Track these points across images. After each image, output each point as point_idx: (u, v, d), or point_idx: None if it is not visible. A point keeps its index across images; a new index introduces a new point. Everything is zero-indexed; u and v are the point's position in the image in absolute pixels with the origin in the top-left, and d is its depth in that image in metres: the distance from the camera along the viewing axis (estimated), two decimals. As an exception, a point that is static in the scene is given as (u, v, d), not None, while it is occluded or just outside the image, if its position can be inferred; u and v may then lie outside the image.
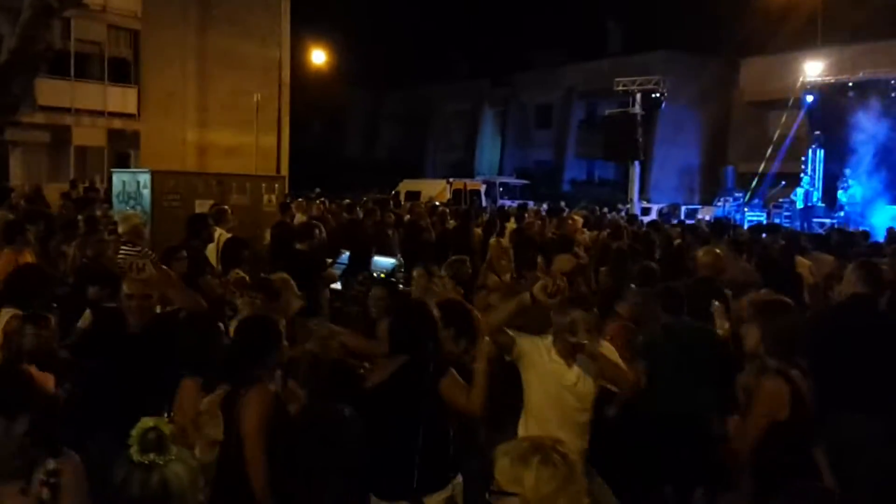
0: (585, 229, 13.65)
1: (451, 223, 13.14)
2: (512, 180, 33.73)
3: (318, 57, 30.99)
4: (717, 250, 7.08)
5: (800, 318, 4.14)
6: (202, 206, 9.88)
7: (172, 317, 4.85)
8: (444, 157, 44.49)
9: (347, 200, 16.95)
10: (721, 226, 12.13)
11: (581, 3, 40.71)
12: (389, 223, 11.97)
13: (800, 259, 7.92)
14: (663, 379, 5.21)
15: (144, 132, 20.30)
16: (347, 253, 8.46)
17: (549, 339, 4.21)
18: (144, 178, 10.58)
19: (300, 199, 16.59)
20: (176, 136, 18.45)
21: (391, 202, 17.05)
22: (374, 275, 7.63)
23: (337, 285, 7.89)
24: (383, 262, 8.69)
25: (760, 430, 3.75)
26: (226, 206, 9.17)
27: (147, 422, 2.43)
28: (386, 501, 3.94)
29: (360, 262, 8.45)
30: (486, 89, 43.69)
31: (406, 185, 26.84)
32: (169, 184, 10.62)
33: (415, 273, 6.45)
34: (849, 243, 10.45)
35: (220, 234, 8.08)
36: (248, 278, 5.92)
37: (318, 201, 16.74)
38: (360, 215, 13.13)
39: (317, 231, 8.04)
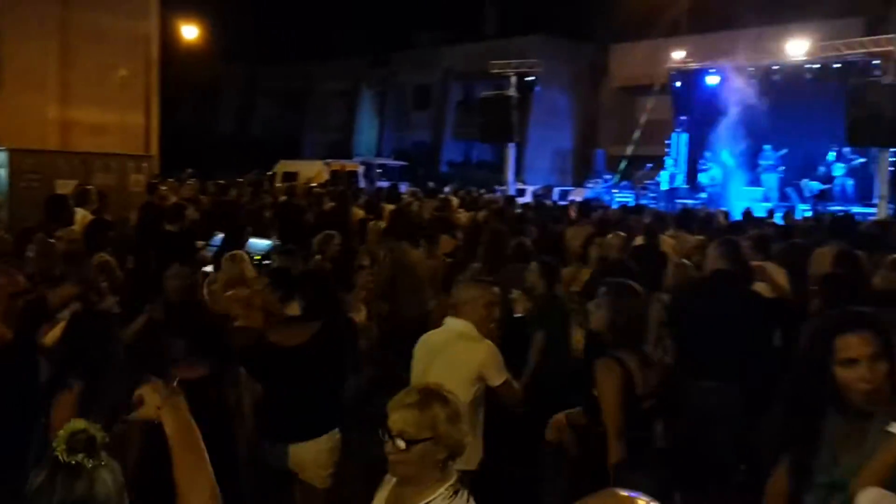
0: (462, 210, 13.85)
1: (329, 205, 13.04)
2: (390, 162, 33.72)
3: (190, 32, 29.90)
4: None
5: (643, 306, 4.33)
6: (65, 187, 9.45)
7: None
8: (322, 137, 43.89)
9: (221, 181, 16.55)
10: (589, 207, 12.64)
11: (459, -16, 40.94)
12: (266, 204, 11.77)
13: (664, 237, 8.30)
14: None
15: (2, 109, 19.12)
16: (221, 235, 8.26)
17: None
18: (0, 157, 10.02)
19: (171, 180, 16.07)
20: (37, 113, 17.47)
21: (267, 182, 16.75)
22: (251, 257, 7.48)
23: (209, 268, 7.70)
24: (259, 244, 8.53)
25: (618, 409, 3.90)
26: (90, 187, 8.79)
27: (78, 423, 2.25)
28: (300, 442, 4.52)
29: (234, 245, 8.26)
30: (364, 69, 43.36)
31: (283, 166, 26.38)
32: (27, 163, 10.12)
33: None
34: (709, 222, 10.99)
35: (84, 215, 7.75)
36: (113, 262, 5.70)
37: (189, 181, 16.25)
38: (235, 196, 12.84)
39: (187, 212, 7.82)
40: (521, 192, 24.53)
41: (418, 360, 4.55)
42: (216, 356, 3.83)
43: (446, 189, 19.33)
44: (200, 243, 7.87)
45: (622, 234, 7.43)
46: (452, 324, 4.53)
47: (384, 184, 23.17)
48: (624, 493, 1.38)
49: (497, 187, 25.21)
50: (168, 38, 23.97)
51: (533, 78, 25.42)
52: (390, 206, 12.64)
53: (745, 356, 5.31)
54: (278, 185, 19.78)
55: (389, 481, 2.69)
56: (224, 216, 9.68)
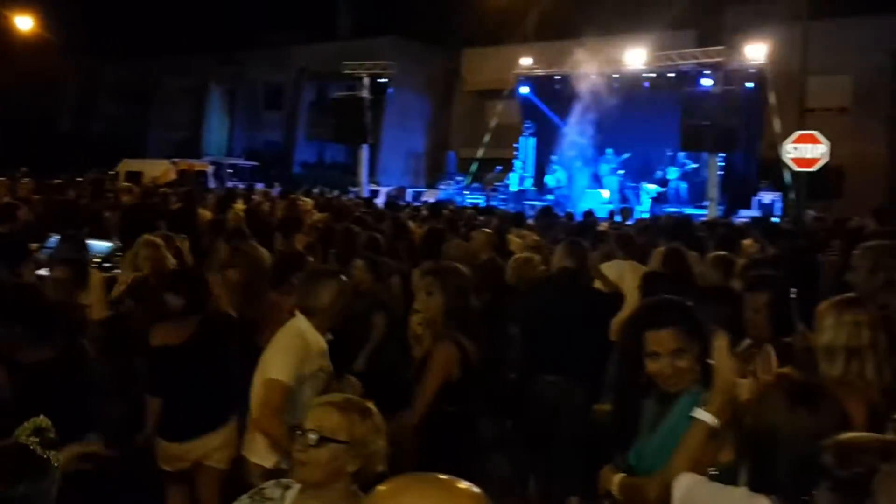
0: (315, 211, 13.76)
1: (176, 204, 12.63)
2: (241, 162, 33.02)
3: (24, 23, 28.16)
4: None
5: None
6: None
7: None
8: (169, 135, 42.30)
9: (59, 180, 15.73)
10: (439, 207, 12.96)
11: (311, -18, 40.51)
12: (107, 205, 11.27)
13: (511, 237, 8.58)
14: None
15: None
16: (57, 237, 7.85)
17: None
18: None
19: (3, 179, 15.13)
20: None
21: (109, 182, 16.04)
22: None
23: (44, 271, 7.31)
24: (98, 245, 8.16)
25: (436, 387, 4.17)
26: None
27: (41, 421, 2.25)
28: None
29: (72, 247, 7.86)
30: (213, 66, 42.13)
31: (126, 165, 25.29)
32: None
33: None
34: (554, 223, 11.43)
35: None
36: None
37: (24, 181, 15.34)
38: (74, 196, 12.23)
39: (20, 213, 7.39)
40: (375, 194, 24.59)
41: None
42: (59, 339, 3.77)
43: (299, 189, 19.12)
44: (34, 245, 7.45)
45: (487, 230, 7.71)
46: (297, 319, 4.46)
47: (238, 184, 22.66)
48: (445, 477, 1.42)
49: (351, 188, 25.17)
50: (1, 31, 22.53)
51: (386, 80, 25.51)
52: (240, 207, 12.39)
53: (588, 350, 5.56)
54: (123, 184, 18.97)
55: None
56: (60, 217, 9.21)
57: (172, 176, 23.19)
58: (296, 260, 5.77)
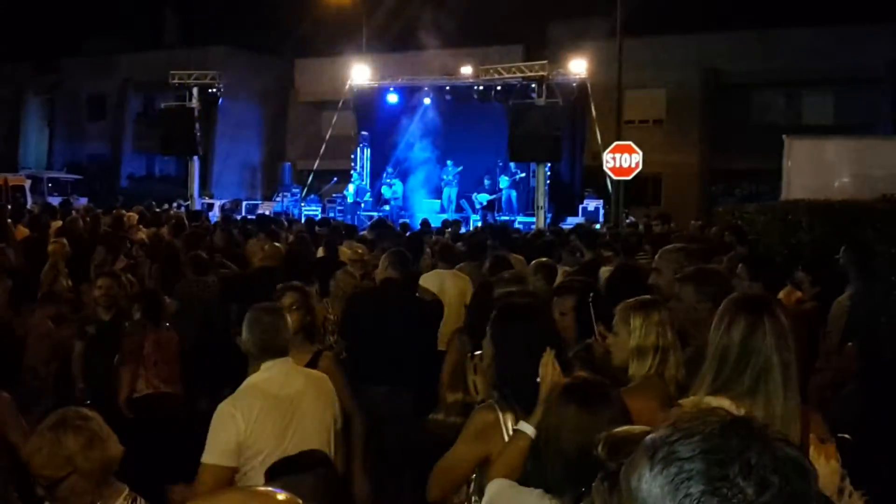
0: (142, 226, 13.28)
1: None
2: (63, 175, 31.40)
3: None
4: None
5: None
6: None
7: None
8: (-20, 148, 39.50)
9: None
10: (267, 219, 12.93)
11: (138, -11, 38.97)
12: None
13: (342, 249, 8.64)
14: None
15: None
16: None
17: None
18: None
19: None
20: None
21: None
22: None
23: None
24: None
25: None
26: None
27: None
28: None
29: None
30: (29, 74, 39.66)
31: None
32: None
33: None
34: (387, 235, 11.56)
35: None
36: None
37: None
38: None
39: None
40: (210, 207, 23.97)
41: None
42: None
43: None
44: None
45: (276, 244, 7.78)
46: None
47: (58, 199, 21.44)
48: (262, 489, 1.43)
49: (181, 202, 24.37)
50: None
51: (216, 90, 24.91)
52: (57, 223, 11.79)
53: (414, 360, 5.67)
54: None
55: None
56: None
57: (-16, 191, 21.70)
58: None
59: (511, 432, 2.82)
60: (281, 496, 1.36)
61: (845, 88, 27.39)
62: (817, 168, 13.18)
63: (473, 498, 2.85)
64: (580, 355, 3.68)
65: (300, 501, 1.37)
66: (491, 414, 2.87)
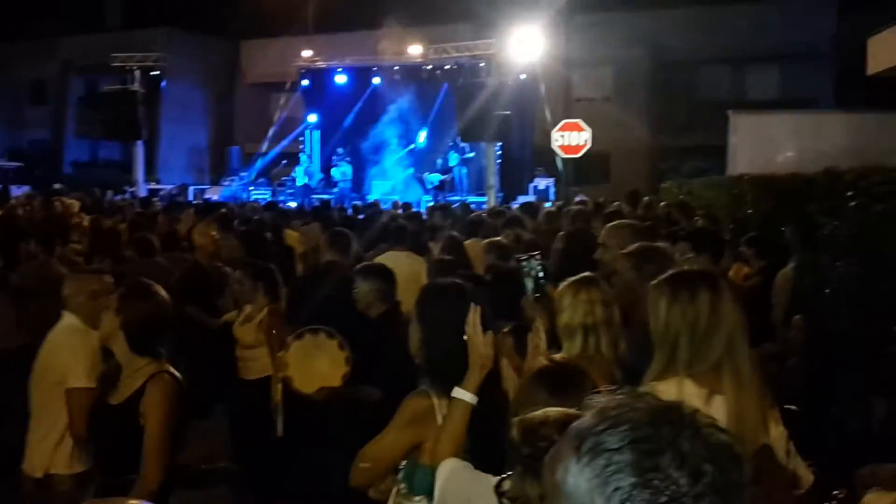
0: (84, 214, 12.97)
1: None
2: (3, 163, 30.50)
3: None
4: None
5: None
6: None
7: None
8: (-87, 135, 38.19)
9: None
10: (212, 205, 12.77)
11: (74, -31, 37.86)
12: None
13: (288, 231, 8.49)
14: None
15: None
16: None
17: None
18: None
19: None
20: None
21: None
22: None
23: None
24: None
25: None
26: None
27: None
28: None
29: None
30: (-35, 59, 38.43)
31: None
32: None
33: None
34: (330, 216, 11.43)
35: None
36: None
37: None
38: None
39: None
40: (155, 192, 23.49)
41: None
42: None
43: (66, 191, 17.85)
44: None
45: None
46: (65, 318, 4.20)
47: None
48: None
49: (127, 188, 23.86)
50: None
51: (159, 72, 24.38)
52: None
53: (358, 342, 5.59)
54: None
55: None
56: None
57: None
58: None
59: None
60: None
61: (790, 64, 27.77)
62: (761, 143, 13.34)
63: (401, 485, 2.76)
64: (516, 329, 3.61)
65: None
66: (425, 400, 2.71)
